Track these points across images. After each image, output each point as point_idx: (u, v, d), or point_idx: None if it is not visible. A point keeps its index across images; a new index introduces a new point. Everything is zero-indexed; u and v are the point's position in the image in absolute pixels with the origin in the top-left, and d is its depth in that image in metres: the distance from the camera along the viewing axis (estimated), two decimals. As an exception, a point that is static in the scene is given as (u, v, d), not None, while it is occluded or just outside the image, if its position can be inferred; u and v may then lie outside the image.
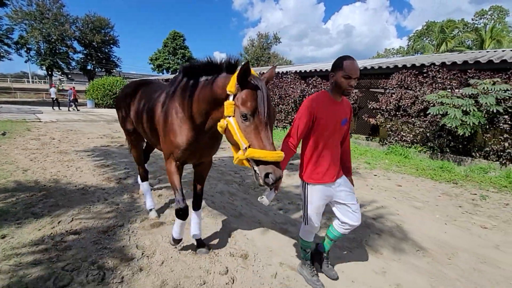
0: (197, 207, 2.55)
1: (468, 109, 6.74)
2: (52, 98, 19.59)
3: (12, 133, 8.30)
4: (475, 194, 4.67)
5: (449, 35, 31.84)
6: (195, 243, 2.55)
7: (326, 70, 10.92)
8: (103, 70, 38.91)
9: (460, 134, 6.83)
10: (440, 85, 8.05)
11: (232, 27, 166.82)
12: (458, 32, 38.26)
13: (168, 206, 3.56)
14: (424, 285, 2.25)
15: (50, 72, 36.11)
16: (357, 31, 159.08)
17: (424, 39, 42.71)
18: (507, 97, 6.49)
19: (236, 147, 1.63)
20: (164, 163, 2.89)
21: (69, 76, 40.05)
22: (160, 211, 3.38)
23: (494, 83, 6.81)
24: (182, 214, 2.27)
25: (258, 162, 1.53)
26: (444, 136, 7.63)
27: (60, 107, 19.92)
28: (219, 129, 1.72)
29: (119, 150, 6.89)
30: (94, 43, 35.99)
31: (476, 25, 41.37)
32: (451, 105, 7.09)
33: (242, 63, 1.57)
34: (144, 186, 3.36)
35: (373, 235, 3.07)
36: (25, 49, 32.73)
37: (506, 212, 3.92)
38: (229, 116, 1.62)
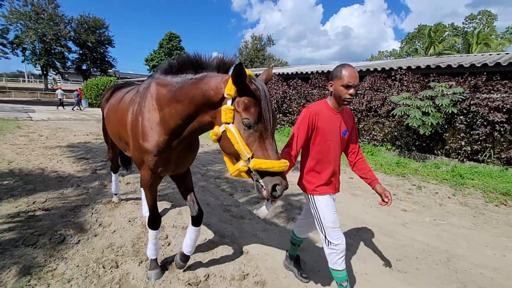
0: (196, 222, 2.17)
1: (427, 110, 7.32)
2: (60, 99, 20.60)
3: (2, 130, 8.78)
4: (415, 185, 5.25)
5: (437, 39, 32.65)
6: (178, 256, 2.26)
7: (306, 72, 11.50)
8: (98, 70, 39.30)
9: (422, 133, 7.41)
10: (405, 87, 8.65)
11: (230, 28, 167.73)
12: (447, 35, 39.18)
13: (133, 192, 4.09)
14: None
15: (45, 72, 36.48)
16: (355, 33, 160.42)
17: (417, 42, 43.60)
18: (461, 99, 7.08)
19: (234, 157, 1.51)
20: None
21: (65, 76, 40.51)
22: (123, 196, 3.91)
23: (450, 86, 7.41)
24: (154, 225, 2.14)
25: (263, 173, 1.41)
26: (410, 135, 8.21)
27: (64, 107, 20.67)
28: (212, 137, 1.55)
29: (101, 146, 7.41)
30: (88, 43, 36.40)
31: (466, 29, 42.37)
32: (413, 106, 7.68)
33: (235, 63, 1.42)
34: (113, 176, 3.61)
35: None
36: (21, 48, 33.12)
37: (432, 199, 4.50)
38: (228, 123, 1.45)
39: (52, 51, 34.13)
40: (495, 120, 6.56)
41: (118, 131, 2.36)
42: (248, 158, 1.41)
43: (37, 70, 37.42)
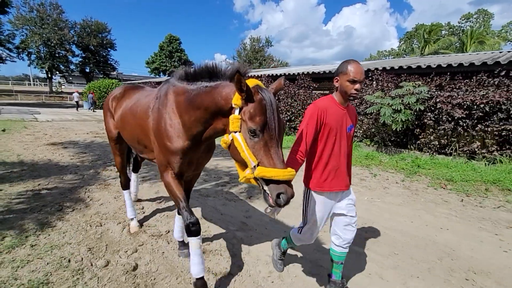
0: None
1: (398, 108, 7.98)
2: (76, 102, 23.38)
3: (10, 130, 9.63)
4: (372, 173, 5.94)
5: (432, 38, 33.14)
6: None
7: (293, 74, 12.22)
8: (101, 72, 40.43)
9: (395, 129, 8.05)
10: (380, 87, 9.33)
11: (233, 29, 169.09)
12: (444, 34, 39.62)
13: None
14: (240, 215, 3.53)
15: (50, 75, 37.68)
16: (357, 33, 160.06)
17: (415, 41, 44.07)
18: (427, 97, 7.73)
19: (243, 164, 1.55)
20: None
21: (70, 78, 41.76)
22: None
23: (418, 85, 8.08)
24: (195, 229, 1.93)
25: (269, 181, 1.45)
26: (386, 132, 8.87)
27: (78, 109, 22.78)
28: (223, 144, 1.61)
29: (99, 143, 8.22)
30: (91, 47, 37.54)
31: (462, 28, 42.75)
32: (385, 104, 8.34)
33: (240, 71, 1.46)
34: (125, 195, 3.16)
35: (257, 191, 4.35)
36: (26, 53, 34.33)
37: (380, 184, 5.19)
38: (235, 132, 1.52)
39: (57, 55, 35.28)
40: (457, 116, 7.22)
41: (137, 135, 2.38)
42: (254, 166, 1.45)
43: (42, 73, 38.63)
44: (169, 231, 2.99)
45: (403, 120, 7.91)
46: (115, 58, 43.08)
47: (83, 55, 38.47)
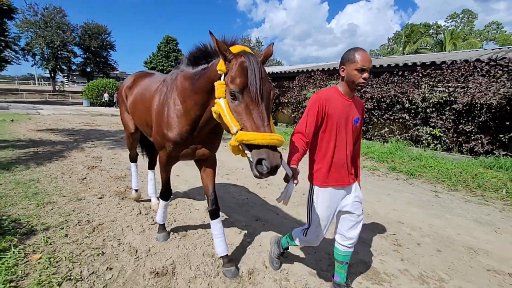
0: (215, 215, 2.20)
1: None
2: (111, 100, 26.31)
3: (18, 120, 11.85)
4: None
5: (413, 38, 34.93)
6: (222, 261, 2.23)
7: (277, 72, 14.05)
8: (101, 72, 42.81)
9: None
10: (317, 84, 11.36)
11: (236, 28, 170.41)
12: (432, 33, 41.30)
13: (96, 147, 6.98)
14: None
15: (53, 75, 40.12)
16: (361, 30, 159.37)
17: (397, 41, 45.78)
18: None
19: (228, 132, 1.48)
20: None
21: (74, 78, 44.23)
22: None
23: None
24: (164, 199, 2.38)
25: (251, 147, 1.33)
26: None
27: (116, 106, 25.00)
28: (214, 115, 1.55)
29: (87, 129, 10.40)
30: (92, 48, 39.88)
31: (449, 28, 44.33)
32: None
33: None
34: (132, 167, 3.58)
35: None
36: (31, 54, 36.76)
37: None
38: (219, 98, 1.48)
39: (59, 56, 37.65)
40: (369, 107, 9.25)
41: (145, 119, 2.45)
42: (237, 131, 1.38)
43: (45, 73, 41.10)
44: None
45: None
46: (115, 59, 45.28)
47: (84, 56, 40.85)
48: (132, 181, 3.55)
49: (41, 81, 62.10)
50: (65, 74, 42.21)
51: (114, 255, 2.37)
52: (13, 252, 2.22)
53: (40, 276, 2.00)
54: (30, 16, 35.30)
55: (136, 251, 2.46)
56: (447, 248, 2.86)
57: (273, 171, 1.30)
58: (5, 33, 27.31)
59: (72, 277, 2.03)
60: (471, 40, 33.02)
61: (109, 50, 43.10)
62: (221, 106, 1.46)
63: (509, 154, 6.59)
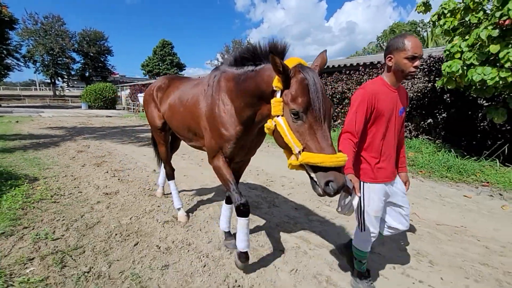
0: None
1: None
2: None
3: (22, 121, 13.53)
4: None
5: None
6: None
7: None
8: (99, 76, 44.57)
9: None
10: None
11: (235, 28, 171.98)
12: (419, 31, 42.58)
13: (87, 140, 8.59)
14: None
15: (53, 80, 41.94)
16: (360, 28, 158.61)
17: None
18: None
19: (288, 150, 1.46)
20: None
21: (75, 82, 45.99)
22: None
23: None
24: (245, 210, 2.00)
25: (316, 169, 1.34)
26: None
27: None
28: (266, 131, 1.55)
29: (81, 127, 12.07)
30: (90, 54, 41.65)
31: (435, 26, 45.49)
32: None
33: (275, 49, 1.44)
34: (171, 185, 3.27)
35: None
36: (32, 61, 38.56)
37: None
38: (277, 116, 1.46)
39: (59, 62, 39.44)
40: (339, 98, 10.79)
41: (187, 123, 2.42)
42: (299, 152, 1.38)
43: (46, 79, 42.92)
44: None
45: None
46: (112, 63, 47.06)
47: (83, 61, 42.64)
48: (174, 201, 3.20)
49: (42, 86, 63.89)
50: (65, 80, 44.03)
51: (84, 188, 4.05)
52: (25, 185, 3.88)
53: (41, 193, 3.65)
54: (31, 25, 37.12)
55: (98, 187, 4.10)
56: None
57: (339, 191, 1.32)
58: (7, 42, 29.05)
59: (59, 194, 3.71)
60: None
61: (106, 55, 44.89)
62: (281, 126, 1.44)
63: (430, 138, 8.08)
